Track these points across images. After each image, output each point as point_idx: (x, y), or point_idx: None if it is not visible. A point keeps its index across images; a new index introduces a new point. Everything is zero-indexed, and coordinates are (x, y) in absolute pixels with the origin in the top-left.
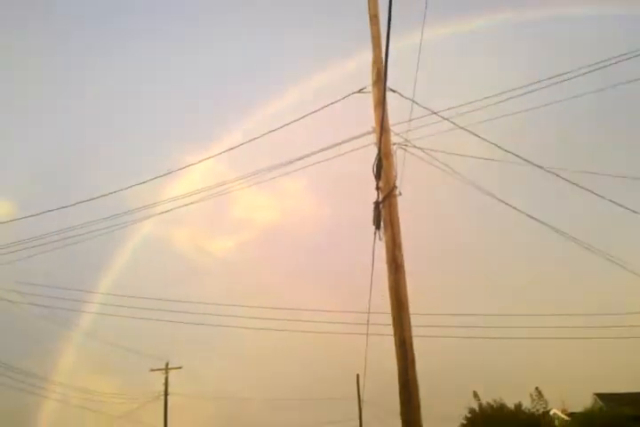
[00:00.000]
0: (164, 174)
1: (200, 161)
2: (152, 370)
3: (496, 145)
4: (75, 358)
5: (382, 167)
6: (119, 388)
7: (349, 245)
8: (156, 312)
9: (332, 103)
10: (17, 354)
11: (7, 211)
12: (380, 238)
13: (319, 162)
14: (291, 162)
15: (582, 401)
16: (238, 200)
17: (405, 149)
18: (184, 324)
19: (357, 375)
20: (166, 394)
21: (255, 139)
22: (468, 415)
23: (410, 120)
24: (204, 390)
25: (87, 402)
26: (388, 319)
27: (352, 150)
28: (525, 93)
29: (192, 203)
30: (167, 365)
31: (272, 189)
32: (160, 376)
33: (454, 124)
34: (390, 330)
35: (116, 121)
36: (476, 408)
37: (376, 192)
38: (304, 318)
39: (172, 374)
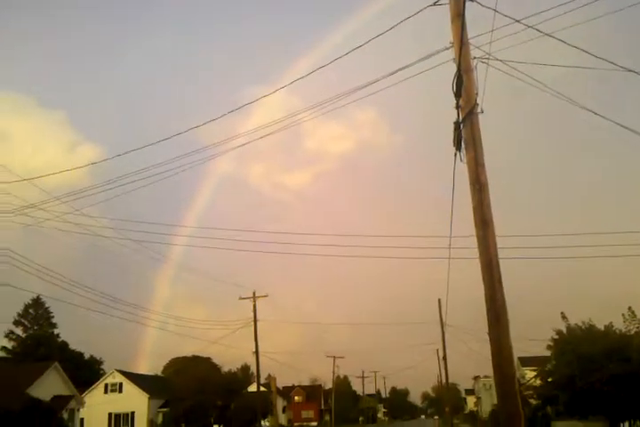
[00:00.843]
0: (235, 109)
1: (270, 93)
2: (241, 298)
3: (587, 52)
4: (169, 289)
5: (462, 84)
6: (211, 315)
7: (426, 170)
8: (240, 243)
9: (404, 20)
10: (117, 286)
11: (98, 154)
12: (460, 160)
13: (393, 85)
14: (361, 88)
15: None
16: (312, 133)
17: (487, 63)
18: (269, 254)
19: (439, 300)
20: (255, 320)
21: (324, 66)
22: (555, 337)
23: (492, 30)
24: (289, 316)
25: (184, 329)
26: (471, 242)
27: (427, 70)
28: None
29: (266, 135)
30: (254, 293)
31: (345, 119)
32: (248, 304)
33: (540, 31)
34: (473, 253)
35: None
36: (564, 330)
37: (456, 111)
38: (385, 244)
39: (259, 301)
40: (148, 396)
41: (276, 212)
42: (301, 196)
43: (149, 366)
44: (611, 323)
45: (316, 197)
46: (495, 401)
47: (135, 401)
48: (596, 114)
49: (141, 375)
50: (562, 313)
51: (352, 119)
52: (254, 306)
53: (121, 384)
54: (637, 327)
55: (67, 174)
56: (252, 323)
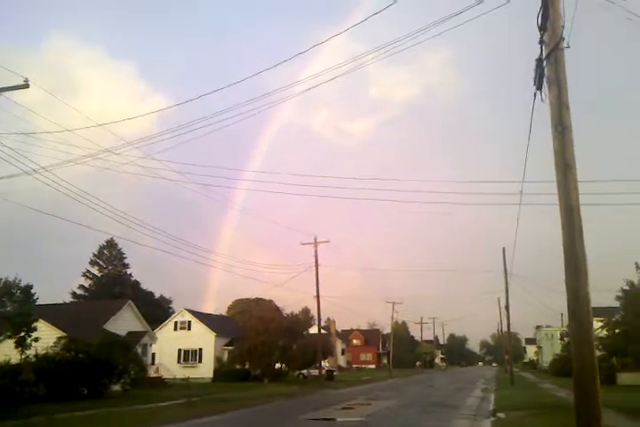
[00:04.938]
0: (297, 55)
1: (332, 37)
2: (302, 244)
3: None
4: (234, 233)
5: (548, 16)
6: (275, 260)
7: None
8: (304, 189)
9: None
10: (185, 229)
11: (167, 102)
12: (541, 100)
13: (465, 22)
14: (428, 28)
15: None
16: (377, 79)
17: None
18: (334, 200)
19: (504, 248)
20: (317, 265)
21: (390, 6)
22: (626, 288)
23: None
24: (351, 262)
25: (248, 272)
26: (542, 188)
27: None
28: None
29: (329, 80)
30: (316, 239)
31: (410, 64)
32: (310, 249)
33: None
34: (546, 199)
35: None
36: (636, 281)
37: (538, 47)
38: (453, 189)
39: (320, 246)
40: (214, 334)
41: (340, 158)
42: (366, 144)
43: (214, 306)
44: None
45: (382, 146)
46: (557, 351)
47: (202, 339)
48: None
49: (208, 315)
50: (636, 263)
51: (421, 62)
52: (315, 251)
53: (189, 322)
54: None
55: (138, 122)
56: (314, 268)
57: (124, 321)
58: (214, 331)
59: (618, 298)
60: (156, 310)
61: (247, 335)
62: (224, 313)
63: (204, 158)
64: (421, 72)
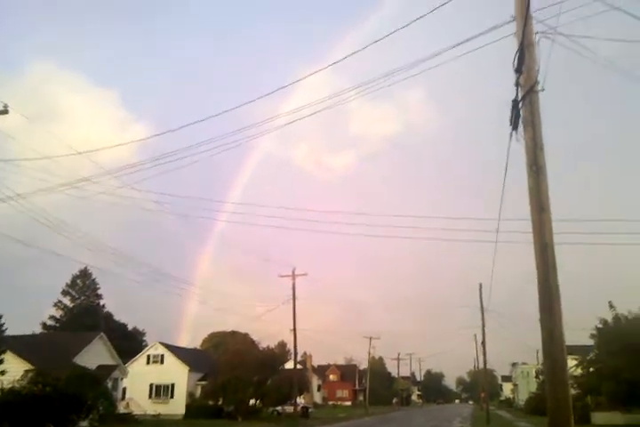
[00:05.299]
0: (279, 89)
1: (315, 72)
2: (281, 276)
3: None
4: (212, 265)
5: (524, 60)
6: (251, 292)
7: (477, 151)
8: (282, 222)
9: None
10: (162, 260)
11: (148, 132)
12: (517, 140)
13: (442, 64)
14: (411, 66)
15: None
16: (358, 114)
17: (552, 39)
18: (309, 233)
19: (480, 284)
20: (294, 298)
21: (374, 43)
22: (600, 326)
23: (560, 2)
24: (328, 296)
25: (224, 304)
26: (518, 226)
27: (483, 46)
28: None
29: (309, 115)
30: (294, 271)
31: (392, 100)
32: (289, 282)
33: (610, 5)
34: (522, 237)
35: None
36: (609, 319)
37: (515, 89)
38: (429, 226)
39: (298, 279)
40: (188, 368)
41: (318, 191)
42: (346, 178)
43: (190, 339)
44: None
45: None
46: (533, 389)
47: (175, 373)
48: None
49: (182, 348)
50: (609, 302)
51: (399, 99)
52: (293, 284)
53: (162, 356)
54: None
55: (118, 151)
56: (291, 300)
57: (95, 354)
58: (188, 365)
59: (592, 336)
60: (128, 343)
61: (221, 370)
62: (198, 346)
63: (185, 188)
64: (402, 109)
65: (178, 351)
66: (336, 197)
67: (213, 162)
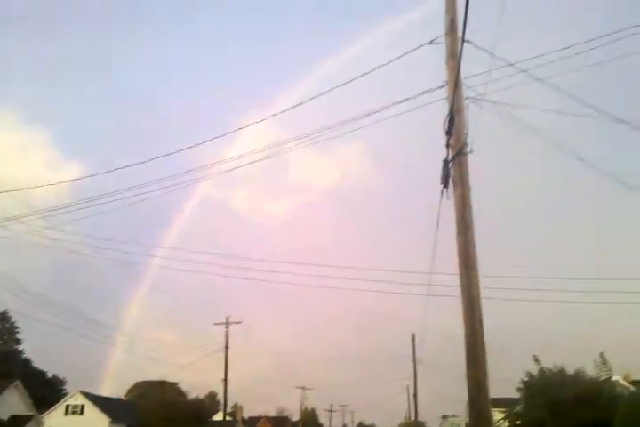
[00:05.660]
0: (218, 137)
1: (253, 123)
2: (215, 324)
3: (582, 101)
4: (141, 310)
5: (454, 123)
6: (182, 340)
7: (409, 207)
8: (218, 269)
9: (400, 56)
10: (88, 305)
11: (81, 171)
12: (447, 198)
13: (379, 121)
14: (346, 122)
15: None
16: (297, 164)
17: (479, 104)
18: (246, 281)
19: (413, 335)
20: (227, 347)
21: (311, 99)
22: (526, 379)
23: (487, 72)
24: (263, 344)
25: (152, 353)
26: (449, 280)
27: (415, 108)
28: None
29: (249, 163)
30: (228, 319)
31: (330, 152)
32: (221, 330)
33: (533, 76)
34: (451, 291)
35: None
36: (535, 373)
37: (445, 150)
38: (363, 277)
39: (232, 327)
40: (109, 420)
41: (258, 239)
42: (284, 224)
43: (114, 388)
44: (581, 368)
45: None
46: None
47: (96, 425)
48: (581, 161)
49: (105, 398)
50: (534, 356)
51: (338, 153)
52: (227, 332)
53: (83, 406)
54: (607, 374)
55: (49, 192)
56: (223, 349)
57: (8, 404)
58: (110, 416)
59: (518, 389)
60: (46, 392)
61: (147, 422)
62: (124, 396)
63: (119, 230)
64: (339, 161)
65: (100, 401)
66: (275, 244)
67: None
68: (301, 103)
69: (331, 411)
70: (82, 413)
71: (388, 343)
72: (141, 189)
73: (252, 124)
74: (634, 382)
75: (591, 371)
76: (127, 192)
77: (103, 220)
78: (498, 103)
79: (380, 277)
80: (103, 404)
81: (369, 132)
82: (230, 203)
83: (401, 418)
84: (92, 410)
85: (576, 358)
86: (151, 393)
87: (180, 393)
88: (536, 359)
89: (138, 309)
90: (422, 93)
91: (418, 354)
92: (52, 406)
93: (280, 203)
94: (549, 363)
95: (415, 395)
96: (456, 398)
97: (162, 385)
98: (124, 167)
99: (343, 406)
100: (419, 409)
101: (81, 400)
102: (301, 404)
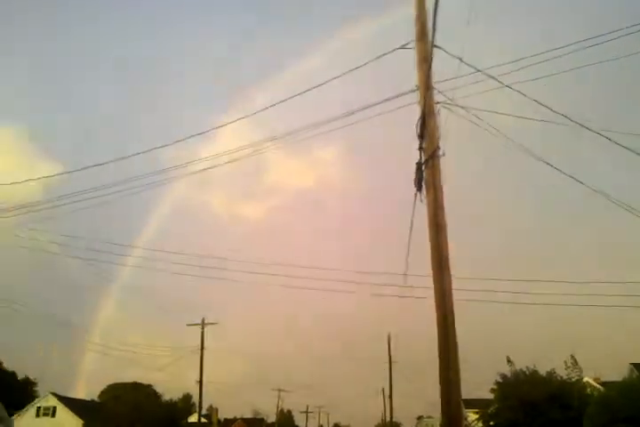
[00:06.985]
0: (193, 136)
1: (229, 122)
2: (189, 325)
3: (550, 108)
4: (115, 311)
5: (426, 127)
6: (157, 341)
7: (383, 209)
8: (192, 269)
9: (371, 60)
10: (60, 305)
11: (56, 170)
12: (420, 200)
13: (353, 124)
14: (322, 123)
15: (617, 371)
16: (273, 167)
17: (450, 109)
18: (220, 281)
19: (389, 335)
20: (202, 348)
21: (287, 99)
22: (499, 381)
23: (456, 77)
24: (238, 346)
25: (126, 354)
26: (423, 282)
27: (390, 111)
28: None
29: (224, 163)
30: (203, 320)
31: (305, 155)
32: (196, 331)
33: (500, 82)
34: (424, 293)
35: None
36: (508, 374)
37: (418, 153)
38: (337, 278)
39: (207, 329)
40: (81, 422)
41: (231, 239)
42: (258, 225)
43: (88, 390)
44: (553, 369)
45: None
46: None
47: None
48: (549, 165)
49: (77, 400)
50: (507, 357)
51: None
52: (202, 333)
53: (54, 408)
54: (578, 375)
55: (21, 190)
56: (198, 351)
57: None
58: (82, 418)
59: (492, 391)
60: (17, 394)
61: (119, 424)
62: (97, 398)
63: (94, 230)
64: (317, 163)
65: (72, 403)
66: (252, 245)
67: (127, 203)
68: (271, 106)
69: (307, 412)
70: (53, 415)
71: (364, 345)
72: (107, 189)
73: (227, 123)
74: (603, 384)
75: (562, 372)
76: (103, 190)
77: (74, 219)
78: (468, 108)
79: (354, 279)
80: (75, 406)
81: (346, 135)
82: (206, 204)
83: (377, 419)
84: (63, 412)
85: (550, 360)
86: (124, 395)
87: (155, 395)
88: (509, 360)
89: (114, 311)
90: (395, 97)
91: (395, 355)
92: (23, 408)
93: (254, 204)
94: (522, 364)
95: (390, 396)
96: (431, 399)
97: (136, 387)
98: (90, 167)
99: (319, 407)
100: (394, 410)
101: (52, 402)
102: (278, 406)
